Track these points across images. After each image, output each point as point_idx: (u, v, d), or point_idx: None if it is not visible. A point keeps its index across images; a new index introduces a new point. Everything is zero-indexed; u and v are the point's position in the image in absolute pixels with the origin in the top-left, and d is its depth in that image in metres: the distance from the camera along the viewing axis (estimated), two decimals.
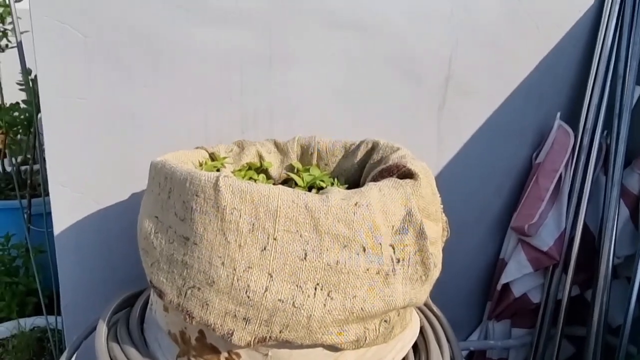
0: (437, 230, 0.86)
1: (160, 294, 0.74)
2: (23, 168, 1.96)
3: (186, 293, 0.70)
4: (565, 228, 1.33)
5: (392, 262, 0.73)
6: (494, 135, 1.35)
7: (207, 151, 0.97)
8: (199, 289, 0.69)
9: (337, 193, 0.70)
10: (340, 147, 1.01)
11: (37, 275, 1.39)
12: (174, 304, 0.72)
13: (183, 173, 0.72)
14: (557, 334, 1.35)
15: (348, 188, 0.95)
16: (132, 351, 0.83)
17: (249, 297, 0.66)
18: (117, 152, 1.09)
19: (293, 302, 0.66)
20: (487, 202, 1.42)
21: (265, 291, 0.66)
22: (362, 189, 0.73)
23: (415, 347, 0.90)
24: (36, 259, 1.43)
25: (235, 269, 0.67)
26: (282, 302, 0.66)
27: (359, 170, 0.99)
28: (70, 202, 1.10)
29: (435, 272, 0.81)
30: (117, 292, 0.98)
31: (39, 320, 1.57)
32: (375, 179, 0.83)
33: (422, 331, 0.93)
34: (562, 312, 1.34)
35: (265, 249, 0.66)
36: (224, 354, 0.74)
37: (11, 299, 1.61)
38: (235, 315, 0.68)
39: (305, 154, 1.03)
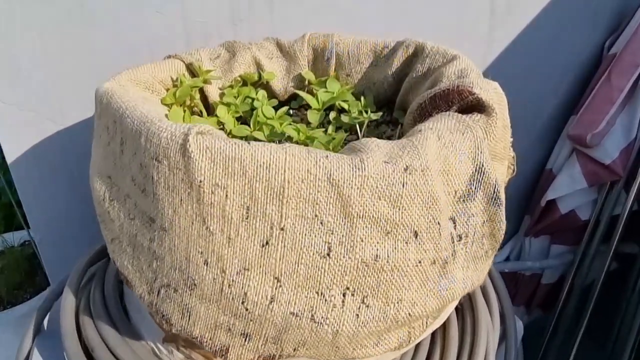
0: (502, 172, 0.61)
1: (128, 283, 0.52)
2: None
3: (159, 291, 0.48)
4: (636, 137, 1.06)
5: (452, 242, 0.49)
6: (558, 17, 1.02)
7: (183, 61, 0.67)
8: (175, 290, 0.47)
9: (376, 150, 0.44)
10: (368, 51, 0.71)
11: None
12: (145, 301, 0.50)
13: (135, 120, 0.45)
14: (610, 251, 1.16)
15: (381, 111, 0.67)
16: (108, 331, 0.64)
17: (247, 309, 0.44)
18: (70, 57, 0.80)
19: (312, 316, 0.44)
20: (540, 102, 1.14)
21: (270, 302, 0.44)
22: (413, 139, 0.46)
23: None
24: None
25: (224, 271, 0.44)
26: (297, 315, 0.44)
27: (395, 84, 0.70)
28: (19, 124, 0.84)
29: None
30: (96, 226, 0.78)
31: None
32: (425, 109, 0.56)
33: None
34: (619, 229, 1.13)
35: (267, 243, 0.43)
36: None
37: None
38: (229, 329, 0.46)
39: (319, 60, 0.74)
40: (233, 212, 0.42)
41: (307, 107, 0.74)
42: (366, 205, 0.42)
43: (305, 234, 0.42)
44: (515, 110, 1.11)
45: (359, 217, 0.43)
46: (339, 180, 0.41)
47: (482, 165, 0.49)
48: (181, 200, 0.43)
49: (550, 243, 1.26)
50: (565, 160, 1.15)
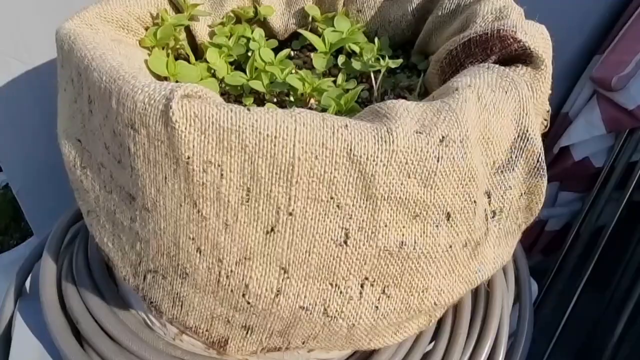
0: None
1: (110, 262, 0.45)
2: None
3: (145, 276, 0.41)
4: None
5: (486, 219, 0.42)
6: None
7: None
8: (163, 277, 0.39)
9: (406, 116, 0.35)
10: None
11: None
12: (130, 284, 0.43)
13: (103, 75, 0.35)
14: (624, 198, 1.10)
15: (399, 56, 0.57)
16: (94, 300, 0.58)
17: (249, 302, 0.37)
18: None
19: (325, 309, 0.38)
20: (563, 39, 1.03)
21: (276, 295, 0.37)
22: (449, 101, 0.37)
23: None
24: None
25: (221, 260, 0.36)
26: (307, 309, 0.37)
27: (415, 23, 0.59)
28: None
29: None
30: None
31: None
32: (457, 58, 0.46)
33: None
34: (635, 177, 1.07)
35: (273, 230, 0.35)
36: None
37: None
38: (228, 320, 0.40)
39: None
40: (230, 194, 0.34)
41: (311, 47, 0.64)
42: (392, 185, 0.34)
43: (319, 219, 0.35)
44: None
45: (384, 198, 0.35)
46: (361, 156, 0.33)
47: (527, 131, 0.41)
48: (165, 177, 0.34)
49: (559, 190, 1.20)
50: (584, 104, 1.06)
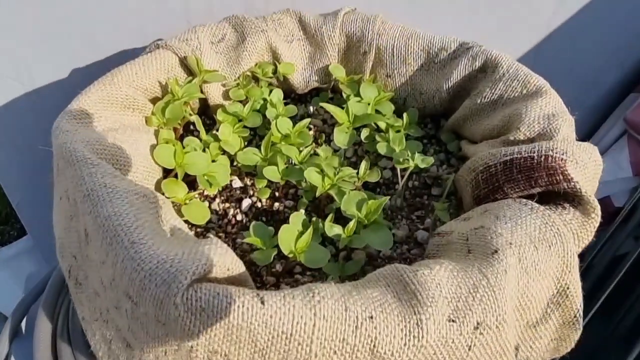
0: None
1: None
2: None
3: None
4: None
5: None
6: None
7: (176, 54, 0.50)
8: None
9: (438, 297, 0.31)
10: (419, 50, 0.53)
11: None
12: None
13: (101, 228, 0.31)
14: None
15: (428, 127, 0.50)
16: None
17: None
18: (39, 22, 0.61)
19: None
20: (598, 74, 0.96)
21: None
22: (487, 273, 0.32)
23: None
24: None
25: None
26: None
27: (449, 100, 0.53)
28: None
29: None
30: None
31: None
32: (496, 177, 0.41)
33: None
34: None
35: None
36: None
37: None
38: None
39: (352, 51, 0.56)
40: None
41: (332, 100, 0.59)
42: None
43: None
44: (571, 78, 0.93)
45: None
46: (385, 352, 0.29)
47: (567, 288, 0.37)
48: (166, 352, 0.31)
49: None
50: (613, 143, 1.00)
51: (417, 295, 0.31)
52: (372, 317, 0.29)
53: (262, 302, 0.28)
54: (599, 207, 0.38)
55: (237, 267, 0.32)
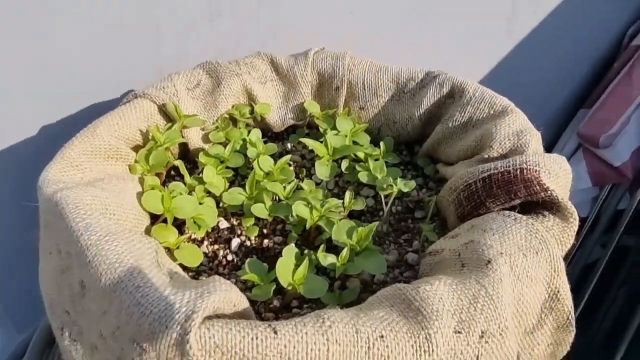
0: None
1: None
2: None
3: None
4: None
5: None
6: (575, 3, 0.89)
7: (154, 102, 0.51)
8: None
9: (442, 311, 0.32)
10: (389, 81, 0.56)
11: None
12: None
13: (103, 276, 0.31)
14: (611, 244, 1.10)
15: (404, 154, 0.53)
16: None
17: None
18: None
19: None
20: (551, 91, 1.02)
21: None
22: (485, 283, 0.34)
23: None
24: None
25: None
26: None
27: (422, 127, 0.56)
28: None
29: None
30: None
31: None
32: (477, 194, 0.43)
33: None
34: (621, 227, 1.07)
35: None
36: None
37: None
38: None
39: (325, 87, 0.59)
40: None
41: (309, 135, 0.60)
42: None
43: None
44: (523, 96, 0.99)
45: None
46: None
47: (558, 292, 0.38)
48: None
49: None
50: (570, 156, 1.06)
51: (422, 310, 0.32)
52: (382, 337, 0.30)
53: (275, 332, 0.28)
54: (576, 212, 0.40)
55: (242, 302, 0.32)
